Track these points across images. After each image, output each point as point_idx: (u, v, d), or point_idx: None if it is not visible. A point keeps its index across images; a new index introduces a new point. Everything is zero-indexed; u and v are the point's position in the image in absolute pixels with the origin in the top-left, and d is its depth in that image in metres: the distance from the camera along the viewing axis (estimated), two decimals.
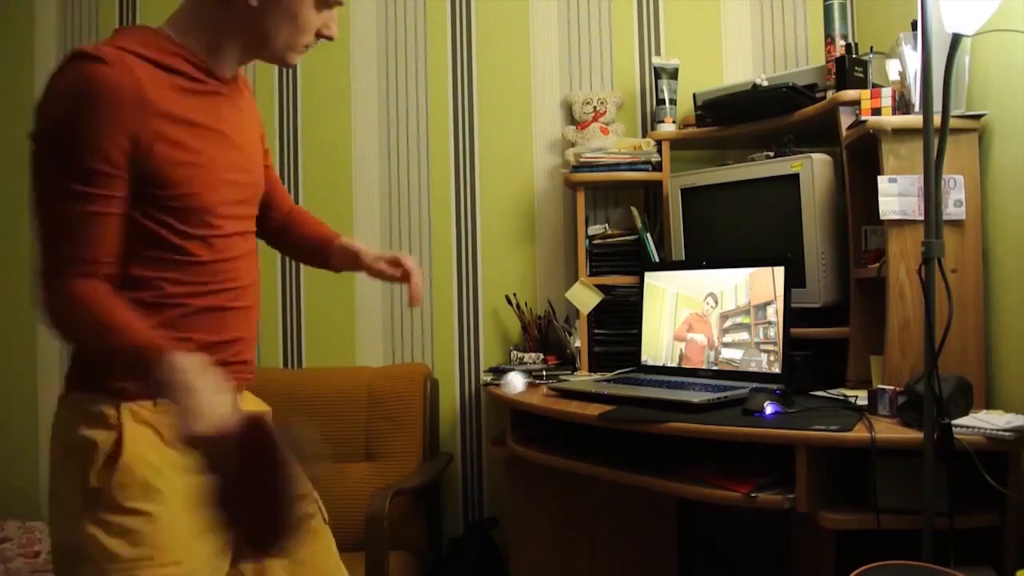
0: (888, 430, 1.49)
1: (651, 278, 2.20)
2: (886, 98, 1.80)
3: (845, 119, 1.93)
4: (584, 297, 2.36)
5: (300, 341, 2.68)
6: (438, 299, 2.64)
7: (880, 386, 1.66)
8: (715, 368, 1.99)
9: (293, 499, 0.89)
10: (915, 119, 1.73)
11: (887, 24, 2.19)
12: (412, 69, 2.67)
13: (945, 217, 1.69)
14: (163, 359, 0.98)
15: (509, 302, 2.56)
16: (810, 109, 2.08)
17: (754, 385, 1.78)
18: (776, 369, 1.86)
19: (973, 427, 1.45)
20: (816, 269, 1.98)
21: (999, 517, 1.46)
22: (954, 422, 1.44)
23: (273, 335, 2.68)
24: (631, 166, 2.37)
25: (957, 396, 1.52)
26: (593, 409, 1.78)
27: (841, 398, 1.76)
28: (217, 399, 0.97)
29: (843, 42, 2.10)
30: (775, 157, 2.11)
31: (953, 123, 1.61)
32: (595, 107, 2.54)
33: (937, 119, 1.45)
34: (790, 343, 1.86)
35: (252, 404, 1.29)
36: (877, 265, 1.79)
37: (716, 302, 2.01)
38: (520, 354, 2.43)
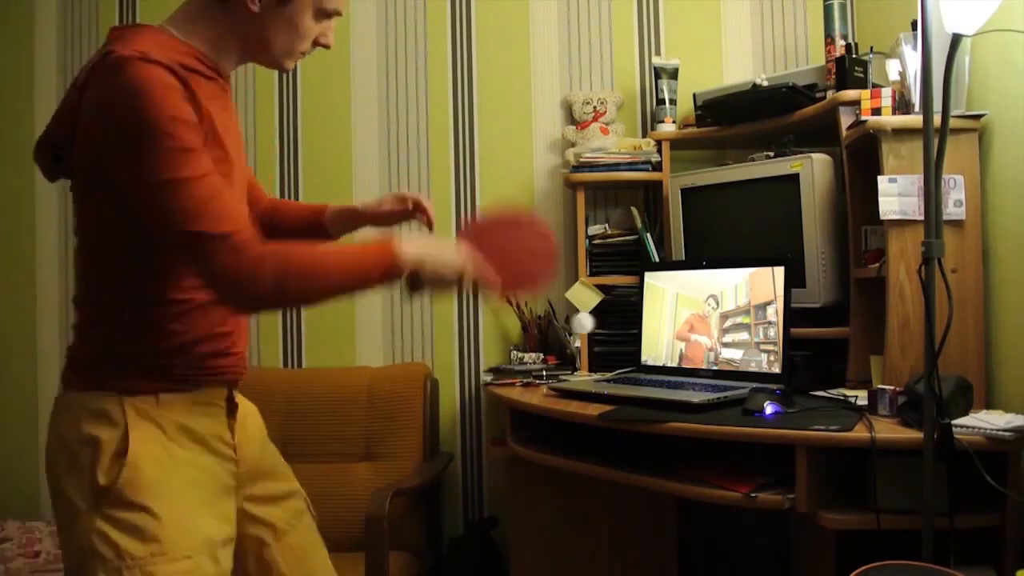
0: (888, 430, 1.49)
1: (651, 278, 2.20)
2: (886, 98, 1.80)
3: (845, 119, 1.93)
4: (584, 297, 2.36)
5: (300, 341, 2.68)
6: (438, 299, 2.64)
7: (880, 386, 1.66)
8: (715, 368, 1.99)
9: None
10: (915, 119, 1.73)
11: (887, 24, 2.19)
12: (412, 69, 2.67)
13: (945, 217, 1.69)
14: (397, 255, 1.12)
15: (509, 302, 2.56)
16: (810, 109, 2.09)
17: (754, 385, 1.78)
18: (776, 369, 1.86)
19: (973, 427, 1.45)
20: (816, 269, 1.98)
21: (999, 517, 1.46)
22: (954, 422, 1.44)
23: (273, 335, 2.68)
24: (631, 166, 2.37)
25: (957, 396, 1.52)
26: (593, 409, 1.78)
27: (841, 398, 1.76)
28: (448, 251, 1.18)
29: (843, 42, 2.10)
30: (775, 157, 2.11)
31: (953, 123, 1.61)
32: (595, 107, 2.54)
33: (937, 119, 1.45)
34: (790, 343, 1.86)
35: (244, 404, 1.29)
36: (877, 265, 1.79)
37: (717, 303, 2.01)
38: (520, 354, 2.43)
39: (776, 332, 1.87)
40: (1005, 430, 1.42)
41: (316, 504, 2.30)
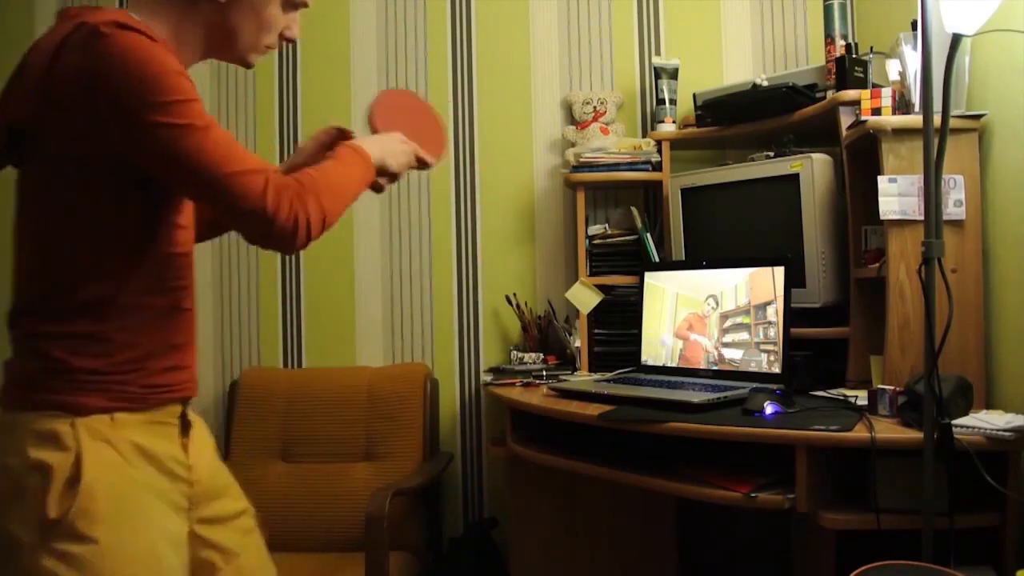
0: (888, 430, 1.49)
1: (651, 278, 2.20)
2: (886, 98, 1.80)
3: (845, 119, 1.93)
4: (584, 297, 2.36)
5: (300, 341, 2.68)
6: (438, 299, 2.64)
7: (880, 386, 1.66)
8: (715, 368, 1.99)
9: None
10: (915, 119, 1.73)
11: (887, 24, 2.19)
12: (412, 69, 2.67)
13: (945, 217, 1.69)
14: (371, 161, 1.19)
15: (509, 302, 2.56)
16: (810, 109, 2.08)
17: (754, 385, 1.78)
18: (776, 369, 1.86)
19: (973, 427, 1.45)
20: (816, 269, 1.98)
21: (999, 517, 1.46)
22: (954, 422, 1.44)
23: (273, 335, 2.68)
24: (631, 166, 2.37)
25: (957, 396, 1.52)
26: (593, 409, 1.78)
27: (841, 398, 1.76)
28: (392, 141, 1.26)
29: (843, 42, 2.10)
30: (775, 157, 2.11)
31: (953, 123, 1.61)
32: (595, 107, 2.54)
33: (937, 119, 1.45)
34: (790, 343, 1.86)
35: (195, 421, 1.20)
36: (877, 265, 1.79)
37: (717, 303, 2.01)
38: (520, 354, 2.43)
39: (776, 332, 1.87)
40: (1005, 430, 1.42)
41: (316, 504, 2.32)
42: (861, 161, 1.90)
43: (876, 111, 1.81)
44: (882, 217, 1.74)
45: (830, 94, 2.02)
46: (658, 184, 2.41)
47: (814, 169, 1.97)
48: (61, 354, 1.01)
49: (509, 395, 2.09)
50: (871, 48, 1.99)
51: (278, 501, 2.34)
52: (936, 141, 1.44)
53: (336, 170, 1.13)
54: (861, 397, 1.72)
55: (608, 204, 2.61)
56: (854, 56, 1.97)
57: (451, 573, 2.39)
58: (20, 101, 1.01)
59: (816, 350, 1.95)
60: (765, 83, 2.17)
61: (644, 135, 2.57)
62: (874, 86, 1.91)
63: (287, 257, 2.67)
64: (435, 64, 2.67)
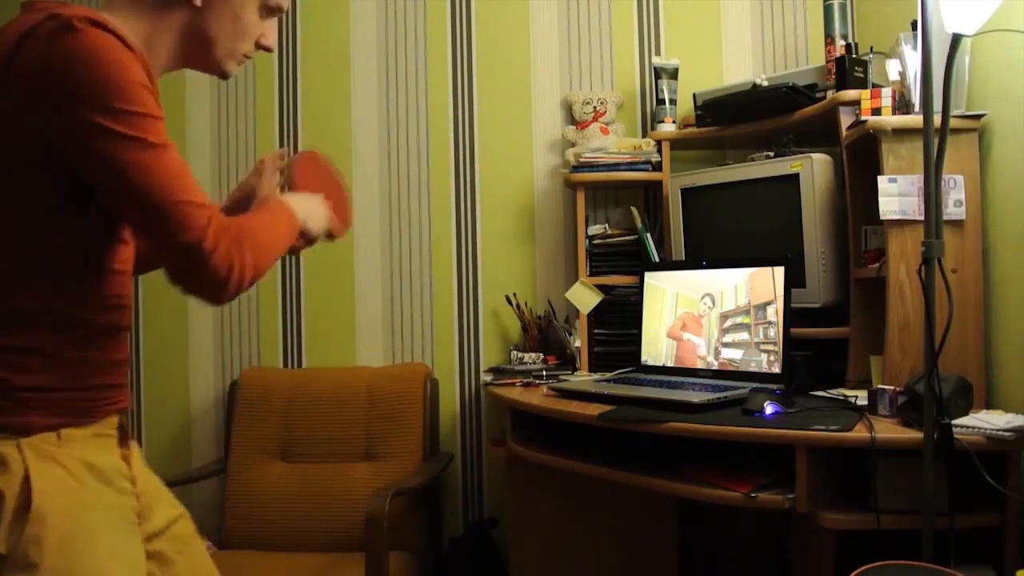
0: (888, 430, 1.49)
1: (651, 278, 2.20)
2: (886, 98, 1.80)
3: (845, 119, 1.93)
4: (584, 297, 2.36)
5: (300, 341, 2.68)
6: (438, 299, 2.64)
7: (880, 386, 1.66)
8: (715, 368, 1.99)
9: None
10: (915, 119, 1.73)
11: (887, 24, 2.19)
12: (412, 69, 2.67)
13: (945, 217, 1.69)
14: (299, 220, 1.17)
15: (509, 302, 2.56)
16: (810, 109, 2.08)
17: (754, 385, 1.78)
18: (776, 369, 1.86)
19: (973, 427, 1.45)
20: (816, 269, 1.98)
21: (999, 517, 1.46)
22: (954, 422, 1.44)
23: (273, 335, 2.68)
24: (631, 166, 2.37)
25: (957, 396, 1.52)
26: (593, 409, 1.78)
27: (841, 398, 1.76)
28: (312, 203, 1.23)
29: (843, 42, 2.10)
30: (775, 157, 2.11)
31: (953, 123, 1.61)
32: (595, 107, 2.54)
33: (937, 119, 1.45)
34: (790, 343, 1.86)
35: (136, 456, 1.15)
36: (877, 265, 1.79)
37: (713, 302, 2.01)
38: (520, 354, 2.43)
39: (776, 332, 1.87)
40: (1005, 430, 1.42)
41: (316, 504, 2.32)
42: (861, 161, 1.90)
43: (876, 111, 1.81)
44: (882, 217, 1.74)
45: (830, 94, 2.02)
46: (658, 184, 2.41)
47: (814, 169, 1.97)
48: (1, 373, 0.95)
49: (509, 395, 2.09)
50: (871, 48, 1.99)
51: (278, 501, 2.34)
52: (936, 141, 1.44)
53: (269, 223, 1.10)
54: (861, 397, 1.72)
55: (608, 204, 2.61)
56: (854, 56, 1.97)
57: (451, 573, 2.39)
58: None
59: (816, 350, 1.95)
60: (765, 83, 2.17)
61: (644, 135, 2.57)
62: (874, 86, 1.91)
63: (287, 257, 2.67)
64: (435, 64, 2.67)
